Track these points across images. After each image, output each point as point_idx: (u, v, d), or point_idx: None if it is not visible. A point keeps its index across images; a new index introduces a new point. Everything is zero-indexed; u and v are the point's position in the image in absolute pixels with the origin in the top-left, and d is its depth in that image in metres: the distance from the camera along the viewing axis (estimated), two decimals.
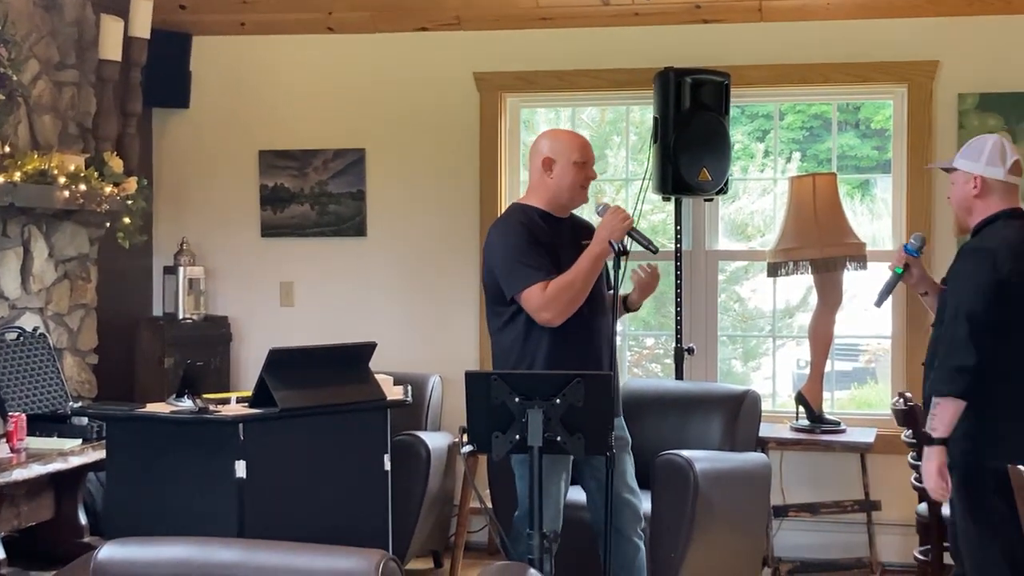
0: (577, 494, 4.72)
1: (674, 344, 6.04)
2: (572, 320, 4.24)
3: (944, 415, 3.82)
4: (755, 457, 5.30)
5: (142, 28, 6.07)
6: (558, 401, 3.98)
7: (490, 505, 5.25)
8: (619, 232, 4.18)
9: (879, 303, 4.36)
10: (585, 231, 4.41)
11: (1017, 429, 3.84)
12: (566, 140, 4.38)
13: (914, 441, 4.94)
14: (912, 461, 4.98)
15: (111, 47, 5.91)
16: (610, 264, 4.24)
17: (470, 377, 4.12)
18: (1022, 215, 4.02)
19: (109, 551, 2.39)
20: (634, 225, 4.23)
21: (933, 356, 4.00)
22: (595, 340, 4.33)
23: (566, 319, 4.22)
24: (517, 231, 4.29)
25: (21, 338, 5.44)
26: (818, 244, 5.81)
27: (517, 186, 6.57)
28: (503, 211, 4.61)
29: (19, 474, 4.58)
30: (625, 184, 6.72)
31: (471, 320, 6.44)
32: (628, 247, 4.23)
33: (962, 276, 3.93)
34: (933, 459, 3.84)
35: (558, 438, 3.99)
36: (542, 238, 4.29)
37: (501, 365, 4.36)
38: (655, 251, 4.26)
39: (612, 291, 4.34)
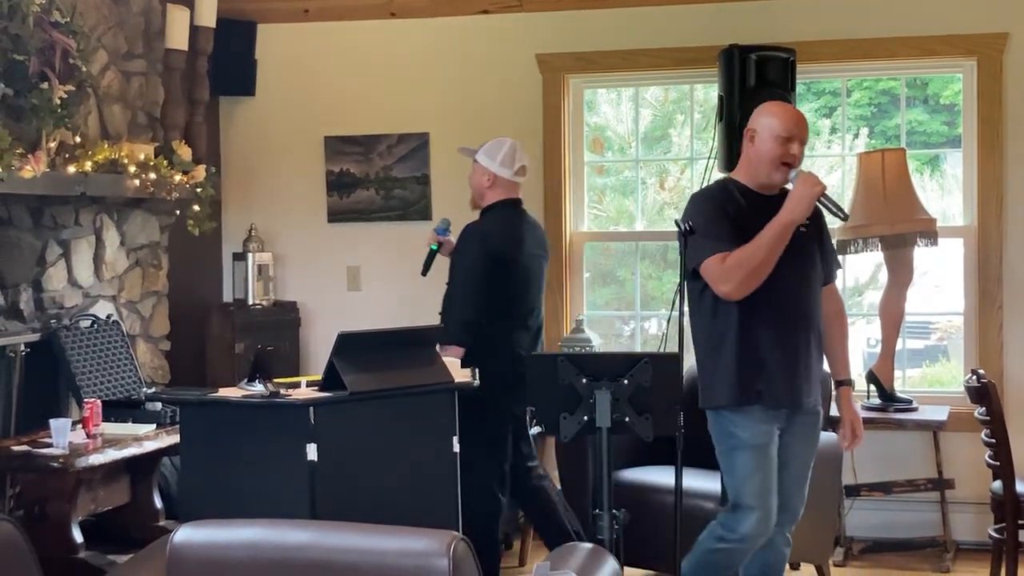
0: (655, 476, 4.71)
1: None
2: (767, 293, 3.99)
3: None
4: (826, 436, 5.25)
5: (208, 17, 6.13)
6: (626, 382, 3.97)
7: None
8: (808, 198, 3.95)
9: (424, 273, 5.23)
10: None
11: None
12: (774, 114, 4.14)
13: (987, 418, 4.88)
14: (986, 439, 4.92)
15: (178, 36, 5.96)
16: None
17: (537, 359, 4.12)
18: (515, 203, 5.02)
19: (185, 533, 2.42)
20: (826, 191, 4.01)
21: (444, 311, 5.02)
22: (797, 318, 4.08)
23: (751, 291, 3.97)
24: (707, 202, 4.14)
25: (95, 325, 5.52)
26: (888, 220, 5.74)
27: (581, 167, 6.56)
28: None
29: (95, 459, 4.64)
30: (690, 163, 6.68)
31: None
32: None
33: (462, 251, 4.93)
34: None
35: (626, 419, 3.98)
36: (734, 211, 4.07)
37: (695, 341, 4.20)
38: (845, 218, 4.12)
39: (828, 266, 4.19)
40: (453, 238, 5.14)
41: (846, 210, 5.89)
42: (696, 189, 6.08)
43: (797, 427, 4.15)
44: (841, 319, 4.32)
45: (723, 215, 4.06)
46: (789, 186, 4.13)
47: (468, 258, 4.91)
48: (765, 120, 4.13)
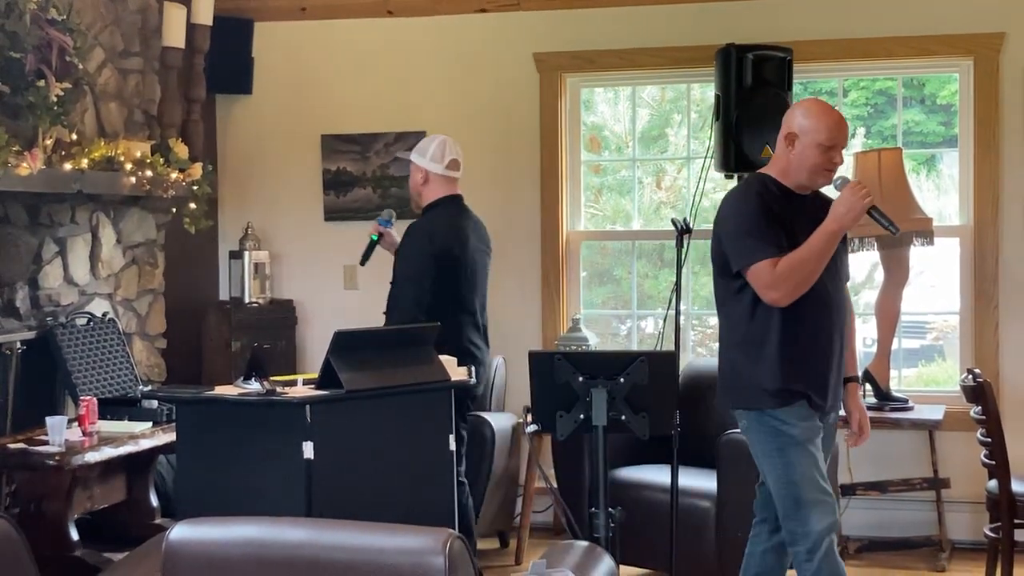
0: (650, 474, 4.70)
1: None
2: (808, 295, 3.92)
3: None
4: None
5: (205, 15, 6.13)
6: (622, 380, 3.97)
7: (555, 485, 5.27)
8: (858, 210, 3.86)
9: (363, 263, 5.23)
10: (826, 210, 4.04)
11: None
12: (816, 118, 3.96)
13: (983, 418, 4.89)
14: (981, 438, 4.93)
15: (174, 34, 5.97)
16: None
17: (534, 357, 4.12)
18: (457, 200, 5.03)
19: (181, 531, 2.41)
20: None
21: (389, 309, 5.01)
22: (832, 318, 4.03)
23: (796, 298, 3.89)
24: (752, 202, 3.98)
25: (91, 323, 5.52)
26: None
27: (578, 166, 6.56)
28: (741, 180, 4.21)
29: (91, 457, 4.64)
30: (687, 163, 6.68)
31: (533, 301, 6.44)
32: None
33: (406, 248, 4.94)
34: None
35: (622, 417, 3.99)
36: (779, 212, 3.97)
37: (727, 340, 4.09)
38: (896, 232, 4.05)
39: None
40: (395, 231, 5.14)
41: None
42: (693, 189, 6.10)
43: (825, 427, 4.12)
44: (852, 319, 4.31)
45: (771, 216, 3.94)
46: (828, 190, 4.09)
47: (414, 257, 4.92)
48: (807, 124, 3.96)
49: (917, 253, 5.92)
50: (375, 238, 5.19)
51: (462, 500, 4.87)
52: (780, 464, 3.97)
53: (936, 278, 7.47)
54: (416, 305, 4.84)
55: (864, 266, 7.38)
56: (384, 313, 5.08)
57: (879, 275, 6.07)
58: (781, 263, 3.86)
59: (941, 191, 7.35)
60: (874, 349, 6.00)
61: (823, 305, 3.99)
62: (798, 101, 4.20)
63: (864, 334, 7.04)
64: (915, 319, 7.74)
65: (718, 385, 4.15)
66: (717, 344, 4.24)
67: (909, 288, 6.01)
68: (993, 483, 4.94)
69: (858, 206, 3.87)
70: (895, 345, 6.02)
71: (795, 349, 3.95)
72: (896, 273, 5.88)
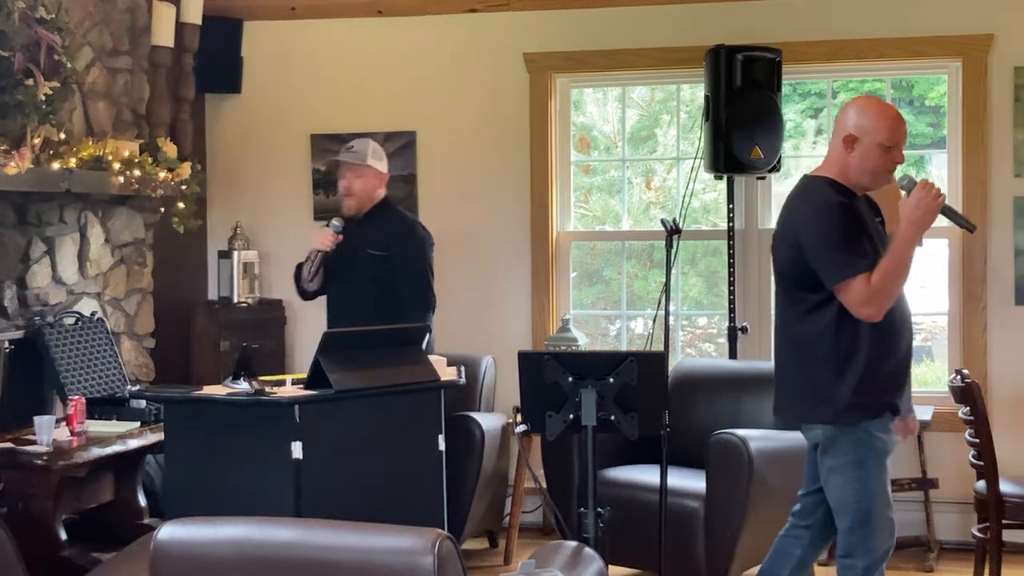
0: (639, 474, 4.69)
1: (727, 323, 6.01)
2: (893, 308, 3.82)
3: None
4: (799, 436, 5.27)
5: (194, 14, 6.12)
6: (612, 380, 3.97)
7: (544, 485, 5.27)
8: (933, 211, 3.74)
9: (312, 279, 5.37)
10: (875, 207, 4.01)
11: None
12: (874, 117, 3.85)
13: (971, 418, 4.90)
14: (969, 439, 4.94)
15: (163, 33, 5.95)
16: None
17: (523, 357, 4.12)
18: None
19: (169, 531, 2.41)
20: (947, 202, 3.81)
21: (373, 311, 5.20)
22: (909, 325, 3.94)
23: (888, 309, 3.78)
24: (839, 212, 3.80)
25: (79, 323, 5.50)
26: None
27: (568, 166, 6.56)
28: (802, 185, 4.03)
29: (79, 457, 4.63)
30: (676, 163, 6.69)
31: (523, 301, 6.44)
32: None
33: (420, 250, 5.34)
34: None
35: (612, 417, 3.99)
36: (858, 219, 3.83)
37: (801, 356, 3.90)
38: (973, 230, 4.00)
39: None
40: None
41: None
42: (682, 189, 6.10)
43: None
44: None
45: (860, 227, 3.81)
46: None
47: (427, 256, 5.38)
48: (865, 124, 3.84)
49: None
50: (328, 251, 5.28)
51: None
52: (858, 476, 3.86)
53: (925, 279, 7.48)
54: (432, 293, 5.32)
55: None
56: (363, 316, 5.13)
57: None
58: (874, 278, 3.73)
59: None
60: None
61: (902, 313, 3.91)
62: (851, 100, 4.07)
63: None
64: None
65: (783, 401, 4.01)
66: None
67: None
68: (981, 483, 4.95)
69: (933, 206, 3.75)
70: None
71: (886, 361, 3.85)
72: None
